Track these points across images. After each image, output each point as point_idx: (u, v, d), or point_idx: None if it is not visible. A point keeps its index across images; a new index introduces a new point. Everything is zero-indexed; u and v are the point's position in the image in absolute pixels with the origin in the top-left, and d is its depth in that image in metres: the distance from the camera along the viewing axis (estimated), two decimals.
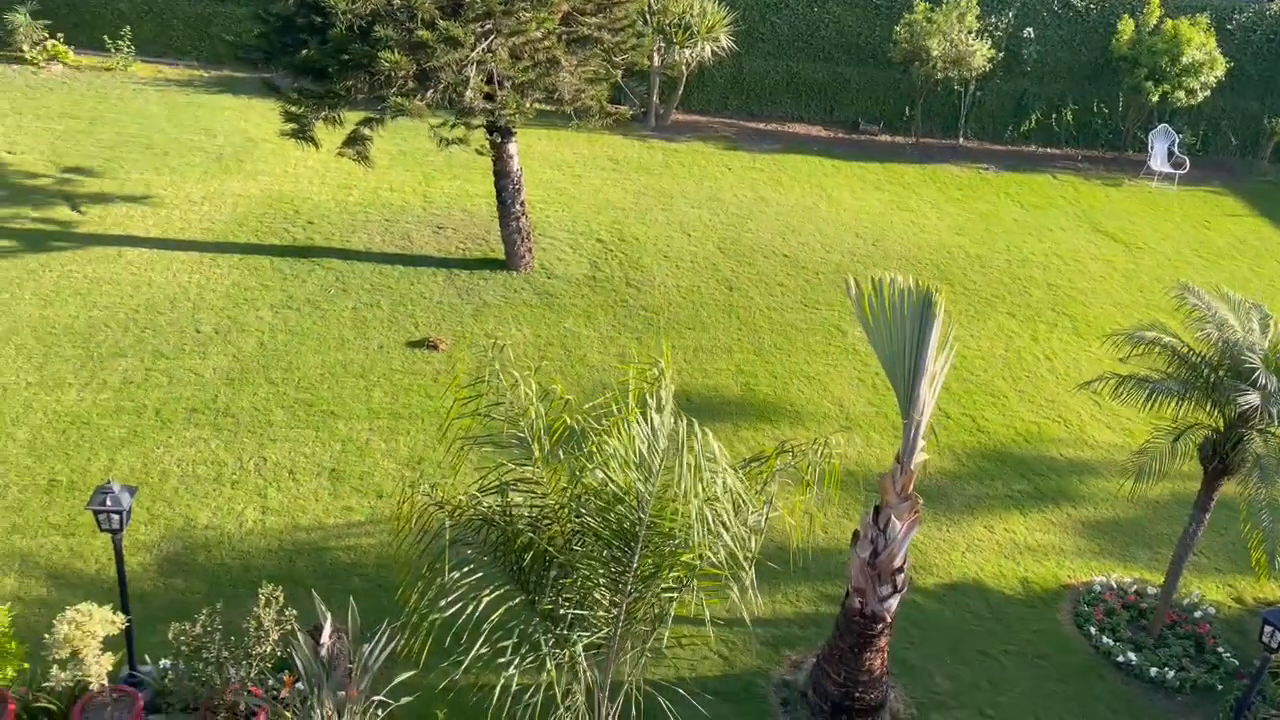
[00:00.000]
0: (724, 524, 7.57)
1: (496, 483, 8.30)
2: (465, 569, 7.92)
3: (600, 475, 7.60)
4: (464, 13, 14.79)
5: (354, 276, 17.12)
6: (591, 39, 16.44)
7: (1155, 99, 24.66)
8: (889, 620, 10.23)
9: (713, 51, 23.68)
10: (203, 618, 9.16)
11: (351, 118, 16.21)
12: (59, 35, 23.35)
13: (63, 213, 17.95)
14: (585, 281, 17.84)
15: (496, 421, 8.40)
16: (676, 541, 7.61)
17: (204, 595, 10.90)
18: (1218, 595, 13.03)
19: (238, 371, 14.56)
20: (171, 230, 17.80)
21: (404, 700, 9.12)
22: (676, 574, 7.95)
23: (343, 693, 8.83)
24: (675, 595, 8.10)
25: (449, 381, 14.56)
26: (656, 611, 8.17)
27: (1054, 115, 26.30)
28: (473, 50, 14.89)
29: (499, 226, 17.82)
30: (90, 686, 9.05)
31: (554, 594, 8.10)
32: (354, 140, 16.28)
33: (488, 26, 15.11)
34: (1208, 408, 11.02)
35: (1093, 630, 12.12)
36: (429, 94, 15.02)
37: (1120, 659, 11.80)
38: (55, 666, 8.90)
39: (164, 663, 9.81)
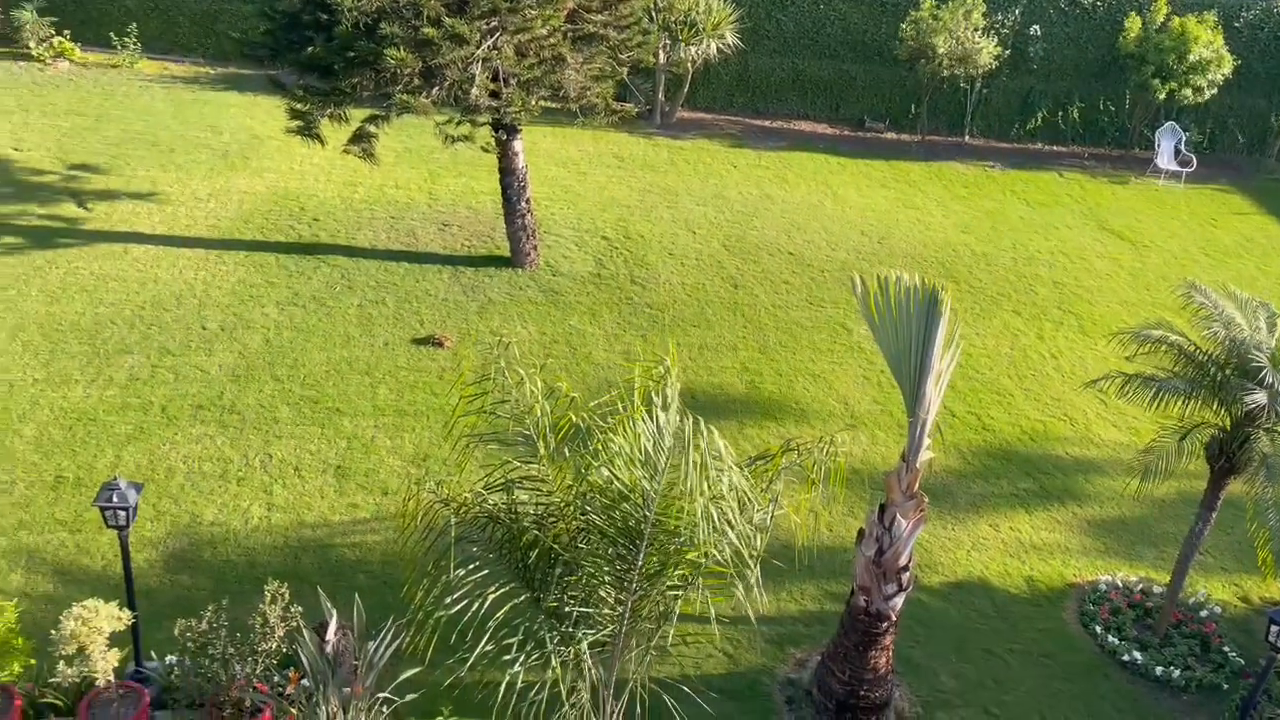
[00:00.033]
0: (729, 522, 7.56)
1: (502, 480, 8.29)
2: (470, 566, 7.92)
3: (605, 473, 7.59)
4: (469, 10, 14.79)
5: (359, 274, 17.13)
6: (597, 36, 16.44)
7: (1162, 96, 24.59)
8: (894, 618, 10.22)
9: (718, 49, 23.66)
10: (208, 614, 9.18)
11: (357, 115, 16.22)
12: (65, 32, 23.40)
13: (69, 209, 17.99)
14: (590, 279, 17.84)
15: (502, 419, 8.39)
16: (682, 539, 7.61)
17: (210, 592, 10.92)
18: (1224, 594, 13.00)
19: (244, 368, 14.58)
20: (177, 227, 17.83)
21: (409, 697, 9.13)
22: (681, 572, 7.94)
23: (348, 689, 8.85)
24: (680, 593, 8.09)
25: (454, 379, 14.57)
26: (661, 609, 8.17)
27: (1060, 113, 26.25)
28: (478, 47, 14.89)
29: (504, 224, 17.82)
30: (96, 682, 9.08)
31: (559, 591, 8.10)
32: (359, 137, 16.30)
33: (493, 24, 15.11)
34: (1214, 406, 10.99)
35: (1098, 629, 12.11)
36: (434, 91, 15.03)
37: (1126, 658, 11.79)
38: (62, 662, 8.93)
39: (170, 659, 9.83)
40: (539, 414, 8.22)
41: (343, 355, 15.11)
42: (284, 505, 12.44)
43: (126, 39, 23.49)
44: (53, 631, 8.89)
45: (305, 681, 9.02)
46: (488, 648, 7.71)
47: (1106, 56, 25.90)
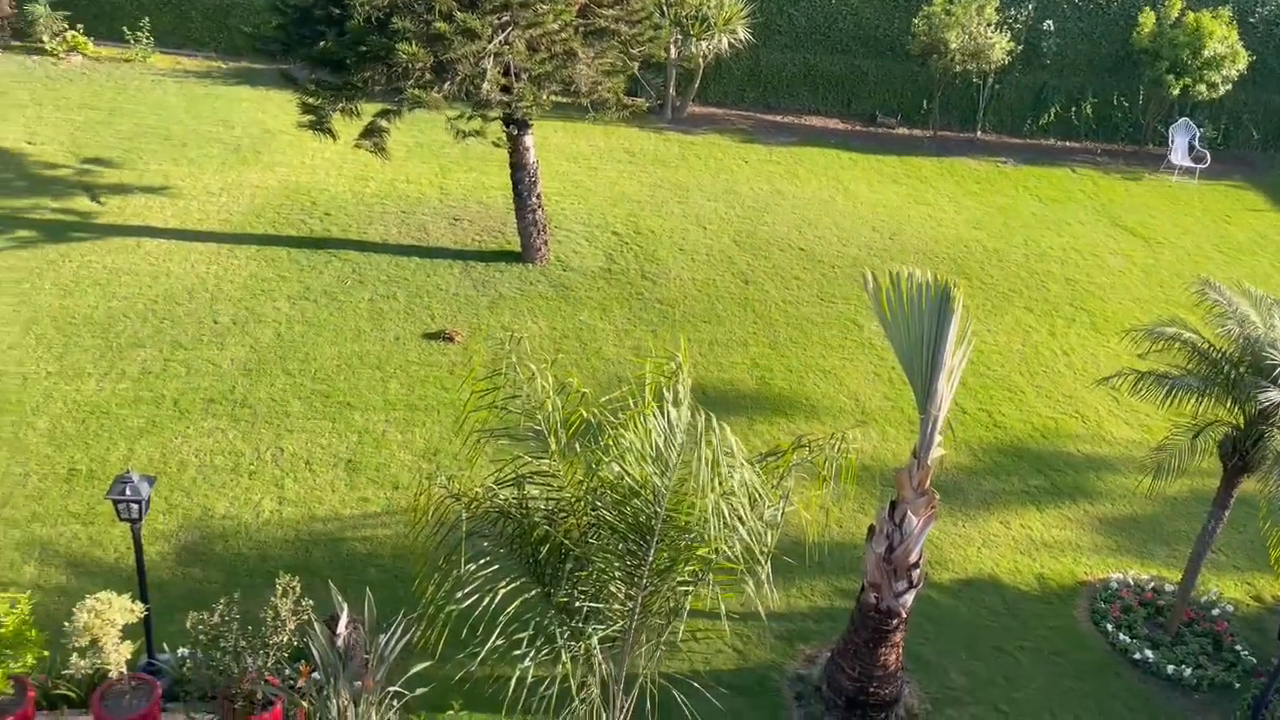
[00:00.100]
0: (740, 518, 7.55)
1: (513, 475, 8.30)
2: (481, 561, 7.93)
3: (616, 469, 7.59)
4: (481, 5, 14.79)
5: (370, 268, 17.16)
6: (608, 31, 16.42)
7: (1176, 92, 24.44)
8: (904, 615, 10.21)
9: (729, 44, 23.60)
10: (220, 607, 9.20)
11: (369, 109, 16.25)
12: (78, 26, 23.48)
13: (82, 203, 18.06)
14: (601, 274, 17.83)
15: (513, 414, 8.40)
16: (692, 535, 7.60)
17: (221, 585, 10.96)
18: (1236, 593, 12.94)
19: (255, 362, 14.62)
20: (189, 221, 17.88)
21: (419, 691, 9.16)
22: (692, 568, 7.94)
23: (359, 683, 8.87)
24: (690, 589, 8.10)
25: (465, 374, 14.59)
26: (672, 605, 8.17)
27: (1073, 108, 26.12)
28: (490, 42, 14.89)
29: (515, 219, 17.82)
30: (109, 674, 9.13)
31: (570, 587, 8.11)
32: (371, 132, 16.32)
33: (505, 18, 15.10)
34: (1228, 404, 10.93)
35: (1109, 627, 12.07)
36: (446, 86, 15.03)
37: (1137, 656, 11.75)
38: (75, 654, 8.98)
39: (182, 651, 9.88)
40: (550, 409, 8.22)
41: (354, 350, 15.14)
42: (295, 499, 12.48)
43: (139, 33, 23.55)
44: (66, 623, 8.93)
45: (316, 675, 9.06)
46: (498, 642, 7.72)
47: (1120, 52, 25.75)
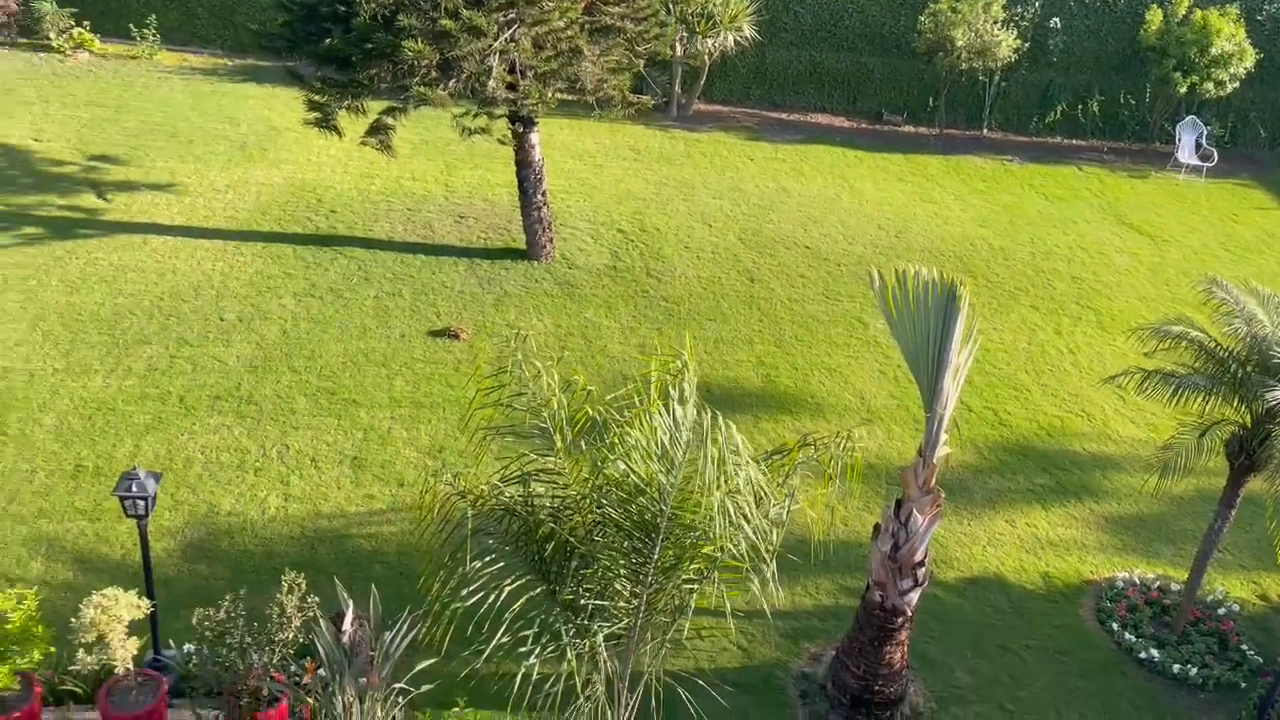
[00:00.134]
0: (745, 517, 7.54)
1: (518, 473, 8.30)
2: (487, 558, 7.94)
3: (622, 467, 7.59)
4: (487, 2, 14.79)
5: (376, 265, 17.18)
6: (614, 28, 16.41)
7: (1183, 90, 24.38)
8: (909, 614, 10.20)
9: (735, 41, 23.57)
10: (226, 603, 9.22)
11: (374, 107, 16.26)
12: (85, 23, 23.52)
13: (89, 200, 18.09)
14: (606, 272, 17.83)
15: (518, 412, 8.40)
16: (698, 533, 7.60)
17: (227, 581, 10.99)
18: (1242, 592, 12.92)
19: (261, 359, 14.65)
20: (196, 218, 17.91)
21: (425, 688, 9.16)
22: (697, 566, 7.94)
23: (364, 679, 8.89)
24: (696, 587, 8.09)
25: (470, 371, 14.60)
26: (677, 603, 8.17)
27: (1080, 106, 26.05)
28: (496, 39, 14.89)
29: (520, 216, 17.82)
30: (116, 670, 9.15)
31: (575, 584, 8.11)
32: (377, 129, 16.33)
33: (510, 16, 15.10)
34: (1235, 403, 10.91)
35: (1115, 626, 12.05)
36: (452, 83, 15.04)
37: (1143, 655, 11.73)
38: (81, 650, 9.01)
39: (188, 647, 9.91)
40: (556, 407, 8.22)
41: (359, 347, 15.16)
42: (301, 496, 12.50)
43: (145, 30, 23.59)
44: (72, 619, 8.96)
45: (322, 671, 9.07)
46: (503, 639, 7.72)
47: (1127, 49, 25.68)
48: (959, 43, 23.51)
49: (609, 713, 8.28)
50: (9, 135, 19.74)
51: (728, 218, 20.15)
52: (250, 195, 18.82)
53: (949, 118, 25.85)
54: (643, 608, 8.01)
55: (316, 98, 15.77)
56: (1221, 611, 12.33)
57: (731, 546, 7.68)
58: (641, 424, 7.61)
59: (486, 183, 20.28)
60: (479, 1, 14.80)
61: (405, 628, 9.06)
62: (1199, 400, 10.97)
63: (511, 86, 15.49)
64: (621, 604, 8.04)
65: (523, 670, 7.73)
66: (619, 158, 22.14)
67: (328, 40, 15.00)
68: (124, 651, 8.97)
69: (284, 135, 20.90)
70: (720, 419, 7.44)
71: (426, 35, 14.44)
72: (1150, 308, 18.70)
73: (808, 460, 8.48)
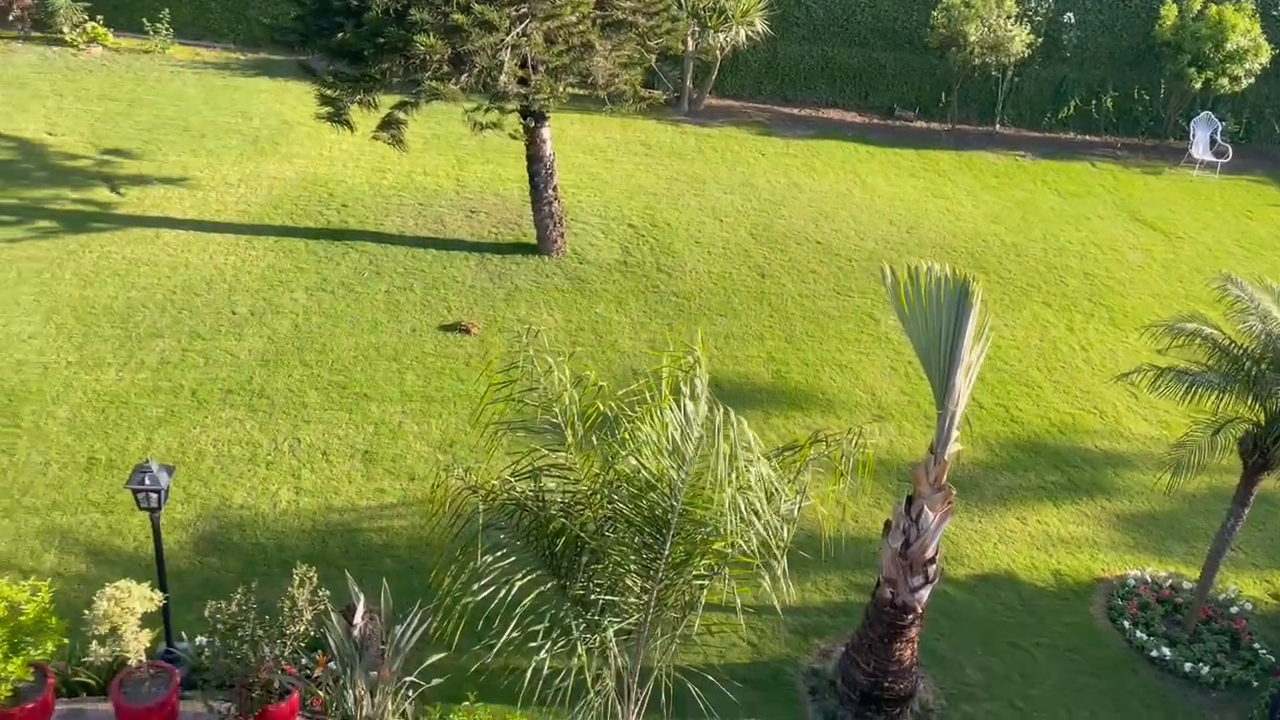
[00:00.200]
0: (756, 513, 7.54)
1: (530, 468, 8.31)
2: (498, 553, 7.95)
3: (633, 462, 7.58)
4: None
5: (387, 260, 17.20)
6: (626, 23, 16.38)
7: (1198, 86, 24.23)
8: (919, 611, 10.18)
9: (747, 36, 23.51)
10: (238, 596, 9.26)
11: (386, 101, 16.26)
12: (99, 17, 23.58)
13: (102, 194, 18.16)
14: (617, 267, 17.82)
15: (529, 407, 8.41)
16: (708, 529, 7.59)
17: (239, 574, 11.02)
18: (1254, 591, 12.86)
19: (273, 353, 14.69)
20: (208, 212, 17.96)
21: (435, 682, 9.20)
22: (708, 562, 7.94)
23: (375, 673, 8.92)
24: (706, 583, 8.09)
25: (481, 365, 14.62)
26: (687, 599, 8.17)
27: (1093, 102, 25.91)
28: (507, 34, 14.88)
29: (531, 211, 17.83)
30: (128, 662, 9.20)
31: (585, 579, 8.11)
32: (388, 124, 16.34)
33: (522, 10, 15.09)
34: (1249, 401, 10.85)
35: (1126, 624, 12.01)
36: (463, 78, 15.03)
37: (1154, 654, 11.69)
38: (94, 642, 9.06)
39: (200, 640, 9.95)
40: (567, 402, 8.22)
41: (370, 341, 15.19)
42: (312, 489, 12.54)
43: (158, 24, 23.64)
44: (86, 611, 9.01)
45: (333, 664, 9.11)
46: (514, 634, 7.73)
47: (1142, 45, 25.52)
48: (972, 38, 23.41)
49: (619, 708, 8.30)
50: (23, 129, 19.82)
51: (739, 213, 20.11)
52: (262, 189, 18.87)
53: (961, 113, 25.74)
54: (653, 603, 8.01)
55: (328, 92, 15.79)
56: (1234, 610, 12.28)
57: (742, 543, 7.67)
58: (653, 420, 7.60)
59: (498, 177, 20.28)
60: None
61: (416, 622, 9.09)
62: (1212, 398, 10.91)
63: (523, 81, 15.48)
64: (632, 599, 8.04)
65: (533, 665, 7.75)
66: (630, 153, 22.12)
67: (340, 35, 15.01)
68: (137, 643, 9.03)
69: (296, 129, 20.93)
70: (732, 415, 7.44)
71: (438, 30, 14.44)
72: (1163, 305, 18.61)
73: (819, 456, 8.47)
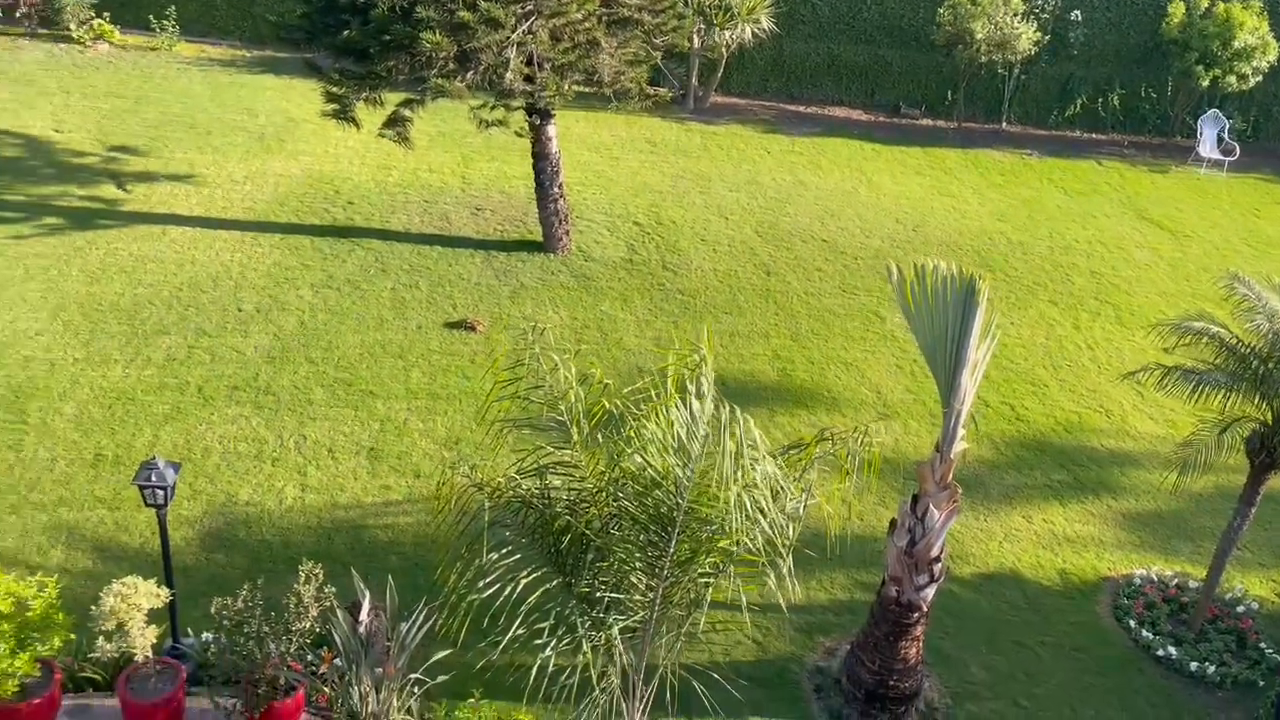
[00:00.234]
0: (762, 511, 7.54)
1: (535, 465, 8.32)
2: (503, 550, 7.95)
3: (638, 460, 7.58)
4: None
5: (393, 257, 17.22)
6: (632, 20, 16.37)
7: (1205, 83, 24.16)
8: (925, 609, 10.17)
9: (753, 33, 23.47)
10: (244, 593, 9.28)
11: (392, 99, 16.27)
12: (105, 15, 23.61)
13: (108, 191, 18.20)
14: (622, 264, 17.82)
15: (535, 404, 8.41)
16: (714, 527, 7.59)
17: (245, 570, 11.05)
18: (1261, 590, 12.84)
19: (279, 350, 14.71)
20: (214, 209, 17.99)
21: (440, 679, 9.21)
22: (713, 559, 7.93)
23: (380, 670, 8.93)
24: (711, 581, 8.09)
25: (486, 363, 14.63)
26: (692, 596, 8.17)
27: (1100, 100, 25.86)
28: (513, 31, 14.88)
29: (537, 208, 17.83)
30: (135, 658, 9.21)
31: (591, 577, 8.11)
32: (394, 121, 16.35)
33: (528, 8, 15.09)
34: (1256, 400, 10.83)
35: (1132, 623, 11.99)
36: (469, 75, 15.04)
37: (1160, 653, 11.67)
38: (101, 638, 9.07)
39: (206, 636, 9.96)
40: (572, 399, 8.23)
41: (376, 338, 15.21)
42: (318, 486, 12.56)
43: (165, 22, 23.68)
44: (93, 607, 9.03)
45: (338, 661, 9.12)
46: (519, 631, 7.74)
47: (1149, 42, 25.46)
48: (978, 35, 23.36)
49: (624, 705, 8.30)
50: (30, 126, 19.87)
51: (744, 211, 20.10)
52: (268, 186, 18.89)
53: (967, 111, 25.70)
54: (658, 601, 8.01)
55: (334, 89, 15.80)
56: (1240, 609, 12.26)
57: (747, 540, 7.67)
58: (658, 417, 7.60)
59: (503, 175, 20.29)
60: None
61: (421, 618, 9.10)
62: (1219, 397, 10.89)
63: (529, 79, 15.48)
64: (637, 597, 8.05)
65: (538, 662, 7.76)
66: (635, 150, 22.11)
67: (346, 32, 15.03)
68: (143, 639, 9.04)
69: (302, 127, 20.96)
70: (738, 413, 7.43)
71: (444, 27, 14.44)
72: (1170, 303, 18.56)
73: (824, 455, 8.47)
